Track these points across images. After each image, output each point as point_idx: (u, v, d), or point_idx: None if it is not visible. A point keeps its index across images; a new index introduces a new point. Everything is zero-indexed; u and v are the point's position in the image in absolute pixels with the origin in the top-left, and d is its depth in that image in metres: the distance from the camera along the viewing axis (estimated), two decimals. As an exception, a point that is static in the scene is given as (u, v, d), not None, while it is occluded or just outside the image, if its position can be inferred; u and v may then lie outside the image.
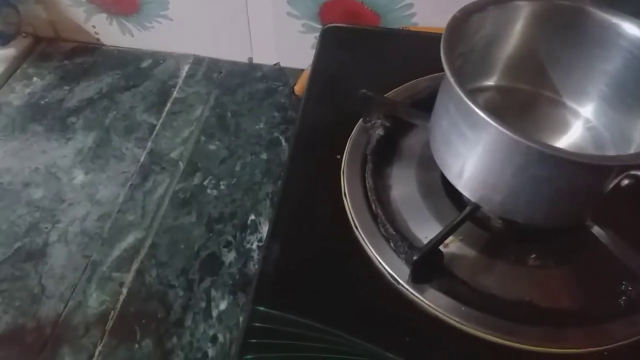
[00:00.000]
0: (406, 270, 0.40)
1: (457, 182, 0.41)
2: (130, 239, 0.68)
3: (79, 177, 0.76)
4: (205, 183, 0.74)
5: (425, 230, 0.42)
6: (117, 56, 0.97)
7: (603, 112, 0.46)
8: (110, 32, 0.97)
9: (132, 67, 0.94)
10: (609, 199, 0.36)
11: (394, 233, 0.41)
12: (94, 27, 0.97)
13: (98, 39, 0.99)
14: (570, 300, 0.40)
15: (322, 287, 0.40)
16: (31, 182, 0.75)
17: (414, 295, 0.39)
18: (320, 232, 0.44)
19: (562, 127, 0.48)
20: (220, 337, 0.58)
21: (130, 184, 0.75)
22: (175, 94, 0.89)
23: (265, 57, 0.94)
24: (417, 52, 0.56)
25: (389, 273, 0.40)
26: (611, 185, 0.35)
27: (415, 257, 0.38)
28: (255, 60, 0.95)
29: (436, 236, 0.39)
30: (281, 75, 0.93)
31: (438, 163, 0.42)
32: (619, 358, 0.37)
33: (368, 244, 0.42)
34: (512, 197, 0.38)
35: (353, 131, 0.50)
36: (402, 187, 0.47)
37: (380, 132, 0.48)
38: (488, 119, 0.34)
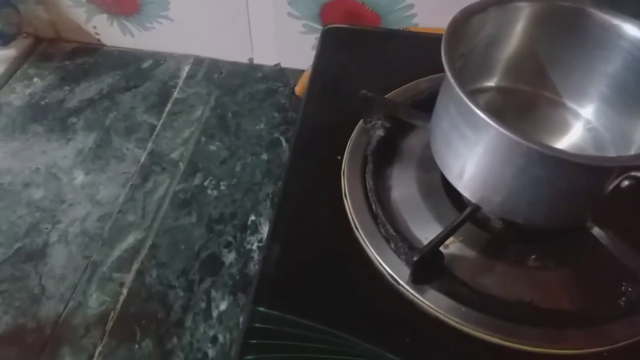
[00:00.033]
0: (406, 271, 0.40)
1: (457, 183, 0.41)
2: (130, 240, 0.68)
3: (80, 177, 0.76)
4: (205, 183, 0.74)
5: (426, 231, 0.42)
6: (117, 57, 0.97)
7: (603, 113, 0.46)
8: (110, 33, 0.97)
9: (133, 67, 0.94)
10: (609, 200, 0.36)
11: (395, 234, 0.41)
12: (94, 27, 0.97)
13: (99, 40, 0.99)
14: (571, 301, 0.40)
15: (323, 287, 0.40)
16: (31, 182, 0.75)
17: (414, 296, 0.39)
18: (321, 232, 0.44)
19: (562, 128, 0.48)
20: (221, 338, 0.58)
21: (131, 185, 0.74)
22: (175, 95, 0.89)
23: (266, 57, 0.94)
24: (417, 52, 0.56)
25: (389, 274, 0.40)
26: (611, 187, 0.35)
27: (415, 258, 0.38)
28: (256, 61, 0.95)
29: (436, 237, 0.39)
30: (282, 75, 0.92)
31: (438, 164, 0.42)
32: (619, 359, 0.37)
33: (368, 245, 0.42)
34: (513, 198, 0.38)
35: (353, 132, 0.50)
36: (403, 187, 0.47)
37: (380, 132, 0.48)
38: (488, 120, 0.34)
